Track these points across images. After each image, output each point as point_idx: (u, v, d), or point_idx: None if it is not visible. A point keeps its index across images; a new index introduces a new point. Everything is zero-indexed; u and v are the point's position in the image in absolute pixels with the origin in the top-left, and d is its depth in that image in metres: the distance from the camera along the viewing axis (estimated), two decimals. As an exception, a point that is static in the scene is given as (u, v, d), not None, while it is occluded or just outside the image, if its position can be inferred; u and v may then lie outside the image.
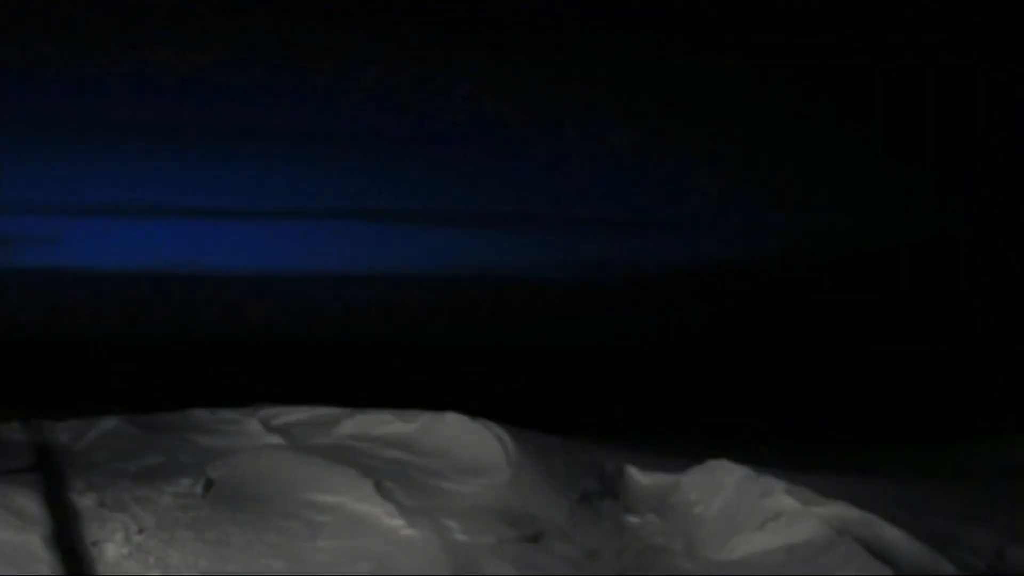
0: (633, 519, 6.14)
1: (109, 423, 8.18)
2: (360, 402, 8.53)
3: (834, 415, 17.22)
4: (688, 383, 23.29)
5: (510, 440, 6.81)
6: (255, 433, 7.95)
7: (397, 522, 5.52)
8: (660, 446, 9.27)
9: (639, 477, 6.93)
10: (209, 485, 6.35)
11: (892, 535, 5.00)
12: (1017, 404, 15.53)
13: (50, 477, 6.38)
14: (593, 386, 22.86)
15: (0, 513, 5.06)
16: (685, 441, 10.44)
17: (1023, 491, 7.06)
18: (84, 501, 5.79)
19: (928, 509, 5.81)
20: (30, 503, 5.40)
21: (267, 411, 8.65)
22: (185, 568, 4.87)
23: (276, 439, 7.64)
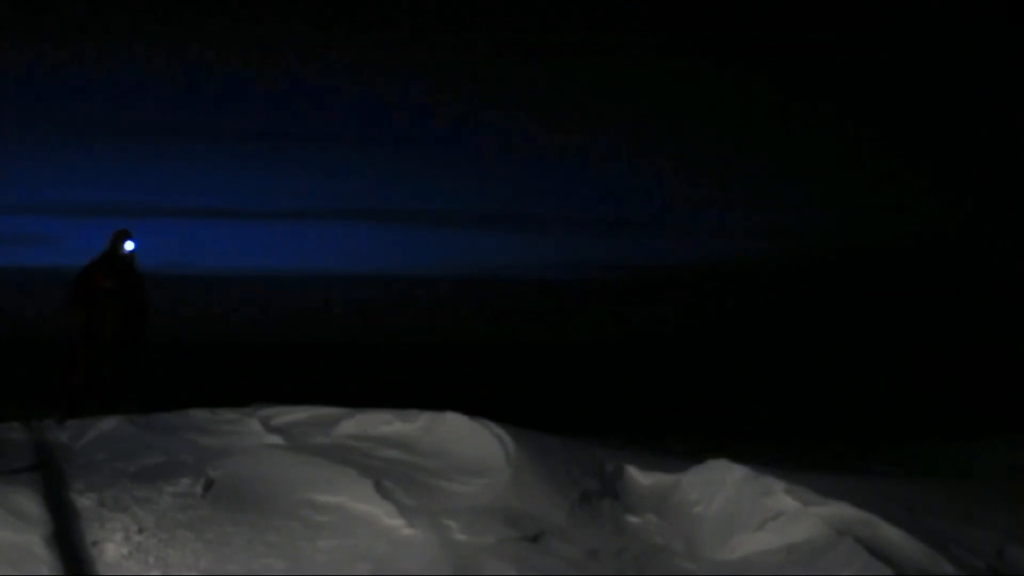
0: (633, 519, 6.13)
1: (109, 423, 8.19)
2: (360, 402, 8.52)
3: (834, 415, 17.21)
4: (688, 382, 23.27)
5: (510, 440, 6.80)
6: (255, 433, 7.95)
7: (397, 522, 5.52)
8: (660, 446, 9.28)
9: (639, 477, 6.93)
10: (209, 485, 6.35)
11: (892, 535, 5.00)
12: (1017, 404, 15.51)
13: (50, 477, 6.39)
14: (593, 386, 22.84)
15: (0, 513, 5.06)
16: (685, 441, 10.44)
17: (1023, 491, 7.05)
18: (84, 501, 5.80)
19: (928, 509, 5.80)
20: (30, 503, 5.40)
21: (267, 411, 8.65)
22: (185, 568, 4.87)
23: (276, 439, 7.65)
